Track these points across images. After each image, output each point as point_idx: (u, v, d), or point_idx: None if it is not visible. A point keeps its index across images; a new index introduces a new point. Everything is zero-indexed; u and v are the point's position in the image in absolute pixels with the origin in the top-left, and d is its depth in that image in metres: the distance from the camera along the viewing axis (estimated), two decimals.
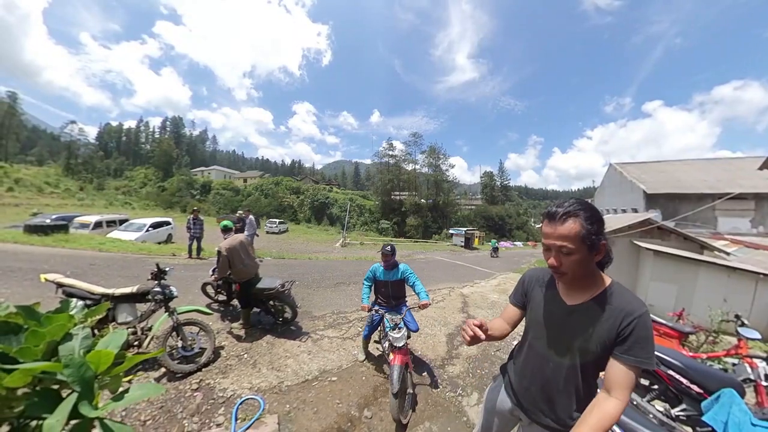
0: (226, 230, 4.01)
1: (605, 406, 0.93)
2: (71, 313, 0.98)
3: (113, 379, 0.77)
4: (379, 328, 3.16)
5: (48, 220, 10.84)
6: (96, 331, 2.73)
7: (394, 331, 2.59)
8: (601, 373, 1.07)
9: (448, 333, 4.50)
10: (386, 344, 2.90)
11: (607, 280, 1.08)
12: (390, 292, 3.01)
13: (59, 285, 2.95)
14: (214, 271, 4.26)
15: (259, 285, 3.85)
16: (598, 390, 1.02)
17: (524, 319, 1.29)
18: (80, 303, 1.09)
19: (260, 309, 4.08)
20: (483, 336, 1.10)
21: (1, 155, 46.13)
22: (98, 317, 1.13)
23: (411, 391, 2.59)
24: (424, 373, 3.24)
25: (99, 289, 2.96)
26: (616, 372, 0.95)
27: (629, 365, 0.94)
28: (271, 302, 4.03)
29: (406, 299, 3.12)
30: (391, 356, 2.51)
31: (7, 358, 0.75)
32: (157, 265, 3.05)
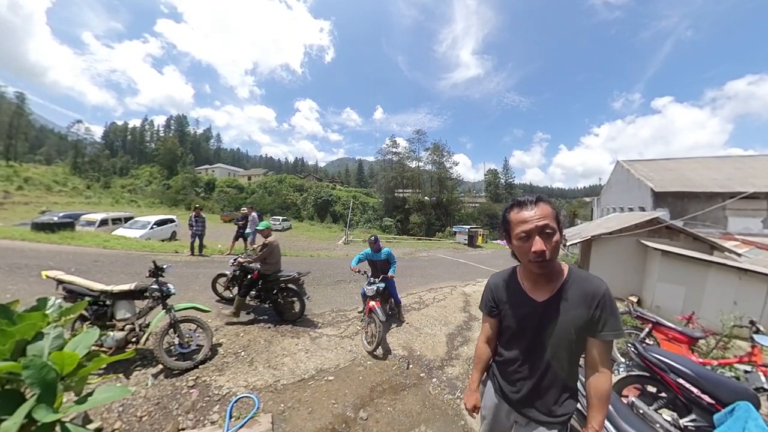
0: (268, 229, 4.35)
1: (599, 383, 1.04)
2: (47, 311, 0.95)
3: (78, 381, 0.73)
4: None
5: (55, 218, 11.03)
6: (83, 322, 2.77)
7: (369, 286, 3.88)
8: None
9: (448, 333, 4.44)
10: (366, 296, 3.99)
11: (565, 268, 1.09)
12: (378, 266, 4.35)
13: (59, 282, 2.96)
14: (235, 260, 4.48)
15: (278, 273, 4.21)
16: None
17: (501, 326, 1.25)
18: (58, 301, 1.07)
19: (269, 302, 4.23)
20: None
21: (10, 155, 46.98)
22: (73, 316, 1.11)
23: (381, 330, 3.54)
24: (422, 374, 3.20)
25: (98, 286, 2.97)
26: (597, 350, 1.04)
27: (606, 341, 1.04)
28: (284, 293, 4.23)
29: (390, 274, 4.27)
30: (370, 303, 3.68)
31: None
32: (154, 262, 3.05)
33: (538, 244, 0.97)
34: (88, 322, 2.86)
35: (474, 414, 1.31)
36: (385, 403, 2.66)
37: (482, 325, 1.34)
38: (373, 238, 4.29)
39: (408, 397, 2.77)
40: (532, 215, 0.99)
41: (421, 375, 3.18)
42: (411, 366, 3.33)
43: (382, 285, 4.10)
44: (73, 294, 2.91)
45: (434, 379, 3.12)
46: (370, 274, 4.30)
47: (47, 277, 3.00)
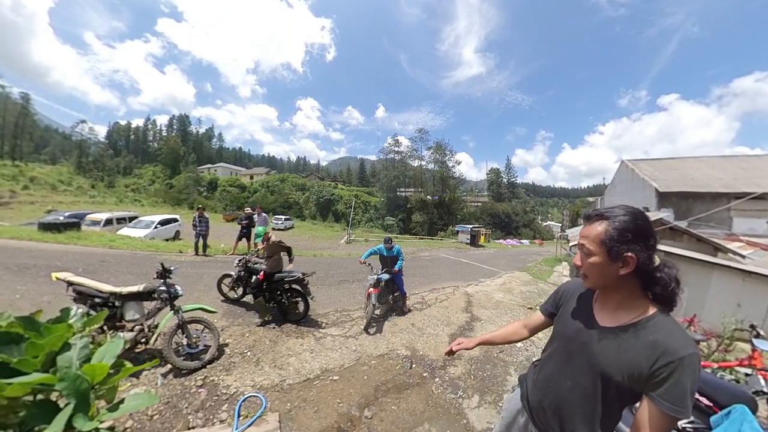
0: (267, 233, 4.64)
1: None
2: (70, 321, 1.00)
3: (109, 390, 0.78)
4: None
5: (61, 218, 11.16)
6: (104, 328, 2.81)
7: (371, 276, 4.57)
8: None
9: (450, 333, 4.49)
10: (368, 285, 4.57)
11: (651, 310, 0.98)
12: (388, 262, 5.01)
13: (69, 283, 3.02)
14: (240, 260, 4.70)
15: (283, 273, 4.31)
16: (621, 424, 0.98)
17: (552, 330, 1.25)
18: (80, 310, 1.11)
19: (273, 302, 4.27)
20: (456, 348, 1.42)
21: (16, 154, 47.56)
22: (96, 326, 1.16)
23: (378, 313, 4.54)
24: (425, 374, 3.25)
25: (107, 288, 3.03)
26: (647, 414, 0.87)
27: (661, 410, 0.84)
28: (288, 294, 4.28)
29: (394, 269, 4.94)
30: (369, 290, 4.39)
31: (9, 368, 0.77)
32: (162, 264, 3.11)
33: (575, 257, 1.06)
34: (112, 330, 2.92)
35: (452, 347, 1.42)
36: (390, 402, 2.71)
37: (533, 314, 1.42)
38: (389, 239, 5.15)
39: (411, 396, 2.82)
40: (581, 231, 1.05)
41: (424, 375, 3.23)
42: (414, 366, 3.38)
43: (385, 276, 4.67)
44: (82, 295, 2.97)
45: (437, 379, 3.17)
46: (379, 268, 4.99)
47: (57, 278, 3.07)
